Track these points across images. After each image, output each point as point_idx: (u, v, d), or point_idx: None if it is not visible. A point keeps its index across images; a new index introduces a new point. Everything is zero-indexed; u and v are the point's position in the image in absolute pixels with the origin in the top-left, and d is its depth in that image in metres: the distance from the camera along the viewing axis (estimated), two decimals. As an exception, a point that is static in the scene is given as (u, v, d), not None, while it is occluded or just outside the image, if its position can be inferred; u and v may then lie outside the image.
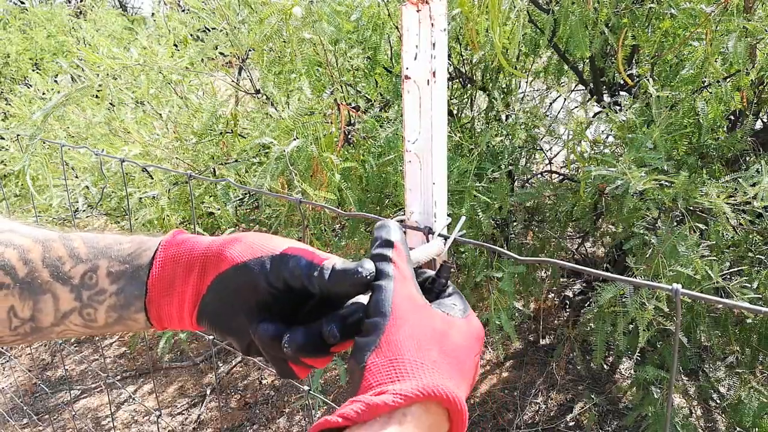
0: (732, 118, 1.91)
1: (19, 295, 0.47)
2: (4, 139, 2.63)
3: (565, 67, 2.21)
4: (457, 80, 2.22)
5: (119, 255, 0.48)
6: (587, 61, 2.05)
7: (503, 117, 2.22)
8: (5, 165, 2.70)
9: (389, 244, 0.46)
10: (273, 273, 0.45)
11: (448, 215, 0.60)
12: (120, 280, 0.48)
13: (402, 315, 0.42)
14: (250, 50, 2.03)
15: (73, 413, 2.63)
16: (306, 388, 0.87)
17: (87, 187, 2.14)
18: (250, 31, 1.83)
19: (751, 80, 1.59)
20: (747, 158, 1.79)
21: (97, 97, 2.12)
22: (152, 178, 2.09)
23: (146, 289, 0.48)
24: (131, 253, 0.48)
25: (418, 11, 0.52)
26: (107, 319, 0.49)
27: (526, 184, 2.41)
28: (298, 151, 1.60)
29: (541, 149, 2.55)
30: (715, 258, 1.43)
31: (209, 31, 1.97)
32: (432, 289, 0.50)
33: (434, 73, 0.53)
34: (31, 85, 2.87)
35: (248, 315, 0.46)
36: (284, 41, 1.82)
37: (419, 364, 0.39)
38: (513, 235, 2.24)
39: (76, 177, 2.32)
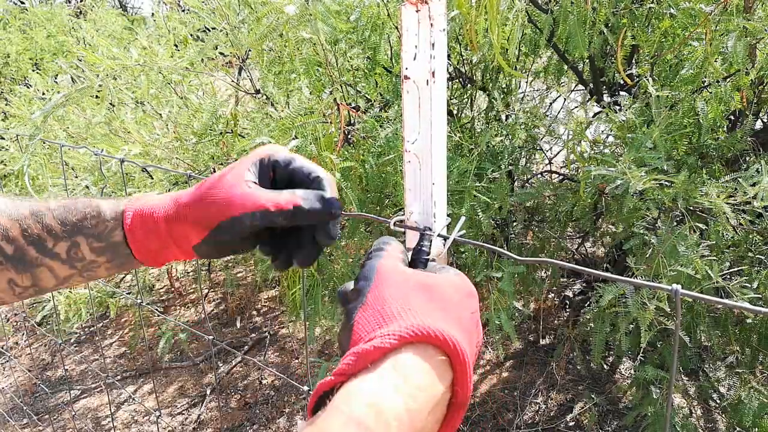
0: (732, 118, 1.91)
1: (15, 270, 0.51)
2: (4, 139, 2.63)
3: (565, 67, 2.20)
4: (457, 80, 2.22)
5: (93, 233, 0.51)
6: (587, 61, 2.05)
7: (503, 117, 2.22)
8: (5, 165, 2.70)
9: (385, 243, 0.48)
10: (239, 230, 0.49)
11: (447, 215, 0.60)
12: (106, 252, 0.52)
13: (386, 276, 0.42)
14: (250, 50, 2.03)
15: (73, 413, 2.63)
16: (306, 388, 0.87)
17: (87, 187, 2.14)
18: (250, 31, 1.83)
19: (751, 80, 1.59)
20: (747, 158, 1.79)
21: (97, 97, 2.13)
22: (152, 178, 2.09)
23: (135, 257, 0.52)
24: (102, 231, 0.52)
25: (417, 11, 0.52)
26: (109, 273, 0.54)
27: (526, 184, 2.41)
28: (298, 150, 1.60)
29: (541, 149, 2.55)
30: (715, 258, 1.43)
31: (209, 30, 1.97)
32: (418, 260, 0.51)
33: (434, 73, 0.53)
34: (30, 86, 2.87)
35: (240, 246, 0.52)
36: (284, 41, 1.82)
37: (407, 309, 0.38)
38: (513, 235, 2.24)
39: (76, 177, 2.32)
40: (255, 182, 0.51)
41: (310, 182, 0.51)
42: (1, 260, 0.50)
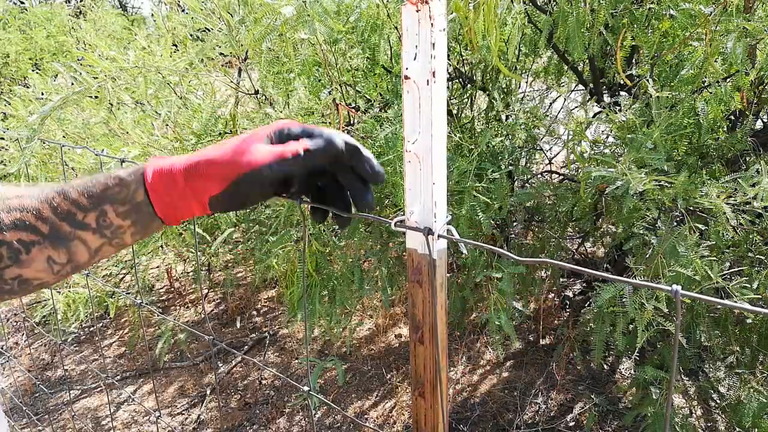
0: (732, 118, 1.91)
1: (52, 246, 0.55)
2: (3, 139, 2.63)
3: (565, 67, 2.21)
4: (457, 80, 2.22)
5: (117, 198, 0.56)
6: (587, 61, 2.05)
7: (503, 117, 2.22)
8: (5, 165, 2.70)
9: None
10: (260, 180, 0.53)
11: (448, 215, 0.60)
12: (130, 215, 0.56)
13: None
14: (249, 50, 2.03)
15: (73, 413, 2.63)
16: (306, 388, 0.87)
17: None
18: (248, 31, 1.82)
19: (751, 80, 1.59)
20: (747, 158, 1.79)
21: (96, 98, 2.12)
22: (152, 179, 2.08)
23: (157, 216, 0.56)
24: (126, 195, 0.56)
25: (417, 11, 0.52)
26: (134, 239, 0.58)
27: (526, 185, 2.41)
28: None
29: (541, 149, 2.55)
30: (715, 258, 1.43)
31: (209, 30, 1.97)
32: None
33: (434, 73, 0.53)
34: (29, 86, 2.86)
35: (259, 197, 0.56)
36: (282, 42, 1.82)
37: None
38: (513, 236, 2.24)
39: (76, 177, 2.32)
40: (271, 142, 0.55)
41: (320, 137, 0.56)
42: (40, 239, 0.54)
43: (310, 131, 0.56)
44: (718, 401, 1.96)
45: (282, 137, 0.56)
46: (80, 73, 1.68)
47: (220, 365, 2.90)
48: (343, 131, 1.75)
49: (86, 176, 0.57)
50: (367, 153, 0.55)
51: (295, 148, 0.53)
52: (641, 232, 1.58)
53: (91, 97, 2.08)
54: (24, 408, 2.64)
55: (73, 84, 1.78)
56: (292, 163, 0.53)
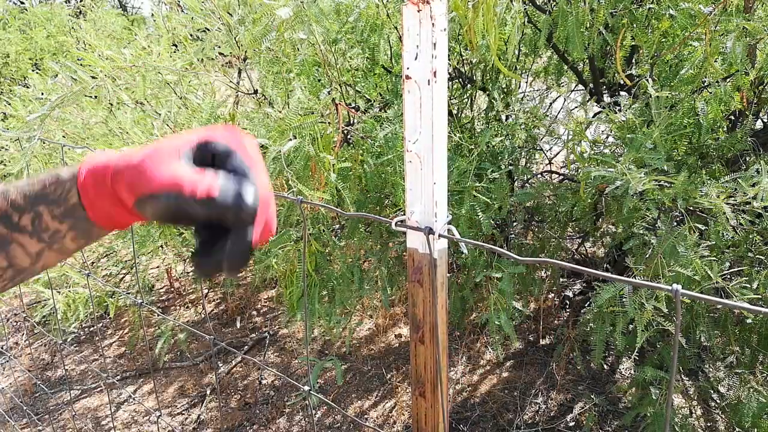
0: (732, 118, 1.91)
1: None
2: (3, 139, 2.63)
3: (565, 67, 2.21)
4: (457, 80, 2.22)
5: (53, 198, 0.50)
6: (587, 61, 2.05)
7: (503, 117, 2.22)
8: (5, 165, 2.70)
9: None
10: (157, 208, 0.46)
11: (448, 215, 0.60)
12: (66, 218, 0.50)
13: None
14: (248, 50, 2.03)
15: (73, 413, 2.63)
16: (306, 388, 0.87)
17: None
18: (246, 31, 1.82)
19: (751, 80, 1.59)
20: (747, 158, 1.79)
21: (94, 97, 2.12)
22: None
23: (90, 219, 0.50)
24: (59, 195, 0.50)
25: (419, 11, 0.52)
26: (77, 245, 0.53)
27: (526, 185, 2.41)
28: (296, 151, 1.60)
29: (541, 149, 2.55)
30: (714, 258, 1.43)
31: (209, 31, 1.97)
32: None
33: (435, 72, 0.53)
34: (29, 86, 2.86)
35: (170, 223, 0.49)
36: (280, 42, 1.82)
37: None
38: (513, 235, 2.24)
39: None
40: (190, 159, 0.47)
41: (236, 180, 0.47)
42: None
43: (233, 159, 0.47)
44: (718, 401, 1.96)
45: (203, 152, 0.48)
46: (77, 72, 1.68)
47: (220, 365, 2.90)
48: (343, 131, 1.75)
49: (35, 176, 0.52)
50: (248, 234, 0.46)
51: (201, 188, 0.44)
52: (641, 232, 1.58)
53: (90, 96, 2.08)
54: (24, 408, 2.64)
55: (72, 84, 1.78)
56: (191, 205, 0.44)
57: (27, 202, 0.50)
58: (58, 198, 0.50)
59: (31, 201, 0.50)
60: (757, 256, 1.55)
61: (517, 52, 2.23)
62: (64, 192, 0.50)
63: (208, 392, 2.69)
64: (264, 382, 2.74)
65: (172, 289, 3.64)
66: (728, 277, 1.52)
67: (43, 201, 0.50)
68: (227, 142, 0.49)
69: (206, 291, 3.55)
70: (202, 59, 2.10)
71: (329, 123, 1.71)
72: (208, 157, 0.49)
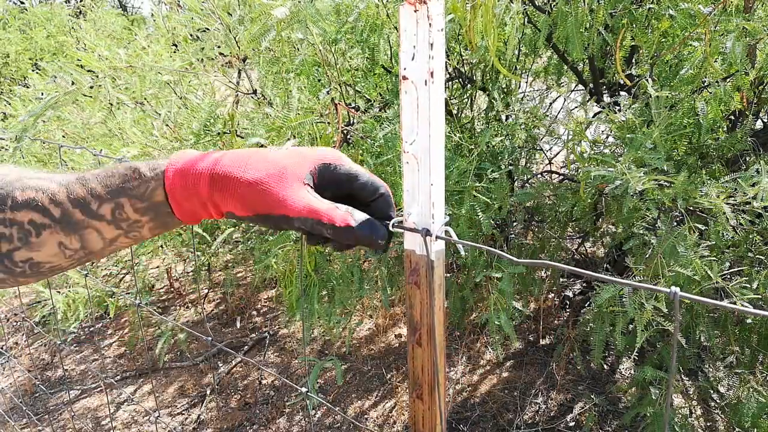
0: (732, 118, 1.90)
1: (63, 232, 0.52)
2: (3, 139, 2.63)
3: (565, 67, 2.20)
4: (457, 80, 2.22)
5: (136, 193, 0.53)
6: (586, 61, 2.05)
7: (503, 117, 2.22)
8: (5, 165, 2.69)
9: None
10: (286, 227, 0.51)
11: (446, 216, 0.59)
12: (148, 212, 0.53)
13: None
14: (248, 50, 2.02)
15: (73, 413, 2.63)
16: (304, 389, 0.87)
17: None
18: (246, 31, 1.82)
19: (751, 80, 1.59)
20: (747, 158, 1.79)
21: (90, 97, 2.12)
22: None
23: (176, 217, 0.54)
24: (144, 192, 0.53)
25: (415, 11, 0.52)
26: (153, 233, 0.56)
27: (526, 185, 2.41)
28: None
29: (541, 149, 2.55)
30: (714, 258, 1.43)
31: (208, 30, 1.97)
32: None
33: (432, 73, 0.53)
34: (29, 86, 2.86)
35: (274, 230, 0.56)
36: (279, 42, 1.82)
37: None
38: (513, 236, 2.24)
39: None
40: (312, 186, 0.51)
41: (372, 198, 0.53)
42: (50, 223, 0.52)
43: (360, 180, 0.53)
44: (718, 401, 1.96)
45: (324, 174, 0.52)
46: (71, 73, 1.68)
47: (220, 365, 2.90)
48: (343, 131, 1.75)
49: (111, 164, 0.55)
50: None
51: (333, 217, 0.49)
52: (641, 232, 1.57)
53: (88, 96, 2.08)
54: (24, 408, 2.64)
55: (66, 84, 1.78)
56: (327, 229, 0.50)
57: (108, 191, 0.52)
58: (141, 194, 0.52)
59: (112, 192, 0.52)
60: (757, 256, 1.54)
61: (516, 53, 2.23)
62: (149, 190, 0.52)
63: (208, 392, 2.69)
64: (264, 382, 2.74)
65: (172, 289, 3.64)
66: (728, 277, 1.51)
67: (125, 194, 0.52)
68: (347, 165, 0.53)
69: (206, 291, 3.55)
70: (202, 59, 2.10)
71: (329, 123, 1.70)
72: (325, 178, 0.52)
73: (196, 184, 0.51)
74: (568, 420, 2.29)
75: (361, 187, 0.53)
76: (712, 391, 1.92)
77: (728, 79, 1.61)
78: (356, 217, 0.51)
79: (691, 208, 1.53)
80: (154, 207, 0.53)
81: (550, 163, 2.77)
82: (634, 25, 1.80)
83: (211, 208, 0.52)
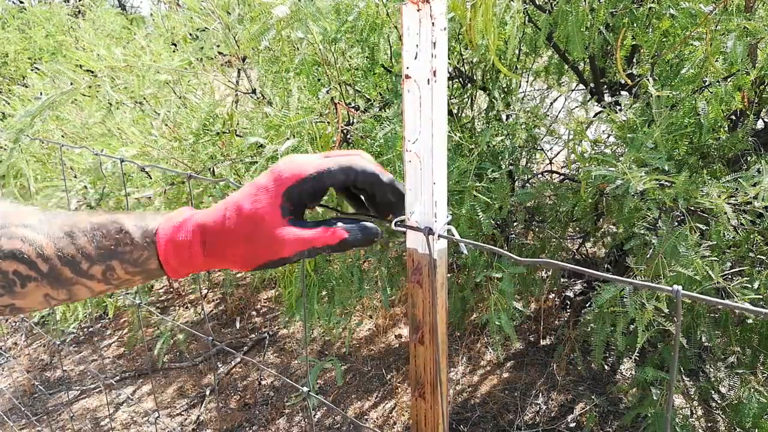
0: (733, 117, 1.90)
1: (50, 286, 0.52)
2: (2, 138, 2.62)
3: (566, 66, 2.20)
4: (457, 80, 2.21)
5: (128, 259, 0.53)
6: (587, 60, 2.05)
7: (503, 117, 2.21)
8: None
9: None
10: (287, 264, 0.54)
11: (448, 215, 0.59)
12: (140, 274, 0.54)
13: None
14: (247, 49, 2.02)
15: (72, 414, 2.62)
16: (305, 389, 0.87)
17: (85, 187, 2.13)
18: (245, 30, 1.82)
19: (752, 80, 1.59)
20: (748, 158, 1.78)
21: (89, 97, 2.12)
22: (150, 178, 2.08)
23: (169, 276, 0.55)
24: (137, 258, 0.53)
25: (418, 10, 0.51)
26: (139, 284, 0.58)
27: (527, 184, 2.40)
28: (294, 150, 1.60)
29: (542, 149, 2.55)
30: (715, 258, 1.43)
31: (208, 29, 1.96)
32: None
33: (435, 72, 0.53)
34: (28, 86, 2.86)
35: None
36: (278, 41, 1.81)
37: None
38: (513, 236, 2.23)
39: (75, 177, 2.31)
40: (291, 214, 0.53)
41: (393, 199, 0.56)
42: (37, 276, 0.51)
43: (326, 183, 0.54)
44: (719, 401, 1.96)
45: (293, 195, 0.52)
46: (67, 74, 1.68)
47: (220, 366, 2.89)
48: (342, 131, 1.74)
49: (98, 215, 0.54)
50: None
51: (326, 240, 0.52)
52: (642, 232, 1.57)
53: (86, 96, 2.08)
54: (23, 408, 2.63)
55: (71, 84, 1.78)
56: (323, 251, 0.53)
57: (99, 254, 0.53)
58: (135, 260, 0.53)
59: (103, 255, 0.53)
60: (758, 257, 1.54)
61: (517, 52, 2.23)
62: (142, 258, 0.53)
63: (207, 393, 2.68)
64: (263, 382, 2.74)
65: (171, 290, 3.64)
66: (729, 277, 1.51)
67: (117, 257, 0.53)
68: (313, 170, 0.53)
69: (205, 291, 3.55)
70: (201, 59, 2.09)
71: (328, 122, 1.70)
72: (301, 200, 0.53)
73: (190, 256, 0.53)
74: (569, 420, 2.28)
75: (331, 184, 0.55)
76: (713, 392, 1.92)
77: (729, 79, 1.61)
78: (346, 226, 0.53)
79: (692, 208, 1.53)
80: (146, 271, 0.54)
81: (550, 162, 2.77)
82: (635, 25, 1.79)
83: (205, 265, 0.54)
